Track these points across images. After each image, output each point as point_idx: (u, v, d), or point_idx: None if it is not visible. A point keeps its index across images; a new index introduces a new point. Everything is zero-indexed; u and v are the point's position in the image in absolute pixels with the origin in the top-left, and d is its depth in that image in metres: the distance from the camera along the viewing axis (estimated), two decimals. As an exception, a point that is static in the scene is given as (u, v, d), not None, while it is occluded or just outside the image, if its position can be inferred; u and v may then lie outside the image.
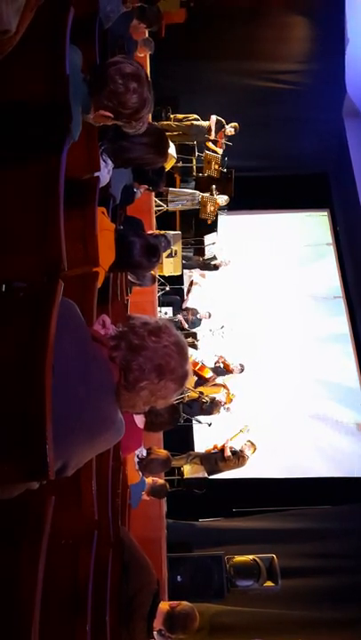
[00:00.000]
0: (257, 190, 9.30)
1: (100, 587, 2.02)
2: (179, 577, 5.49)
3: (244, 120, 8.47)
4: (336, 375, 8.76)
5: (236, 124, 8.25)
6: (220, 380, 7.34)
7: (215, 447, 6.84)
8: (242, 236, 9.70)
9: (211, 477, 6.75)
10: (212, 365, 7.58)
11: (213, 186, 8.18)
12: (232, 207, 8.57)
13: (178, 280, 8.03)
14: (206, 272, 8.66)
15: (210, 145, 8.32)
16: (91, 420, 1.21)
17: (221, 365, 7.60)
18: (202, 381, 7.13)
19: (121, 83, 1.80)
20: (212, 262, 8.46)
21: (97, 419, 1.23)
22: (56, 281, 1.23)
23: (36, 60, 1.62)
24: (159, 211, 7.75)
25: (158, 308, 7.04)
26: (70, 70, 1.71)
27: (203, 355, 7.64)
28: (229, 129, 8.25)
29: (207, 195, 8.07)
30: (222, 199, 8.17)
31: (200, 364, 7.25)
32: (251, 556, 5.82)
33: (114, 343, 1.26)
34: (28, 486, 1.17)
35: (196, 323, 7.89)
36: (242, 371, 7.61)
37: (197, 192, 8.07)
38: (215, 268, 8.52)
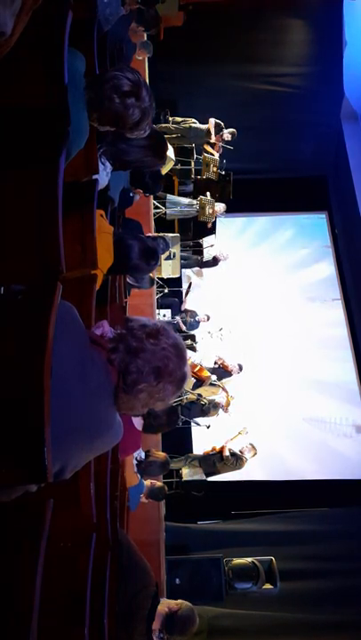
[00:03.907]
0: (255, 193, 9.31)
1: (99, 589, 2.01)
2: (177, 579, 5.49)
3: (242, 123, 8.48)
4: (334, 377, 8.77)
5: (233, 129, 8.26)
6: (217, 379, 7.33)
7: (214, 449, 6.83)
8: (240, 239, 9.72)
9: (209, 480, 6.74)
10: (212, 367, 7.58)
11: (208, 193, 8.17)
12: (230, 209, 8.57)
13: (176, 282, 8.04)
14: (205, 270, 8.66)
15: (208, 148, 8.33)
16: (89, 423, 1.21)
17: (220, 367, 7.60)
18: (200, 383, 7.13)
19: (119, 102, 1.81)
20: (211, 258, 8.44)
21: (95, 421, 1.23)
22: (54, 283, 1.23)
23: (35, 64, 1.63)
24: (158, 213, 7.75)
25: (157, 311, 7.04)
26: (73, 76, 1.71)
27: (201, 357, 7.64)
28: (227, 134, 8.26)
29: (206, 197, 8.07)
30: (220, 207, 8.18)
31: (199, 365, 7.25)
32: (249, 559, 5.81)
33: (112, 346, 1.26)
34: (26, 489, 1.17)
35: (195, 325, 7.89)
36: (240, 371, 7.61)
37: (195, 202, 8.07)
38: (214, 262, 8.51)
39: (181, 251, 7.83)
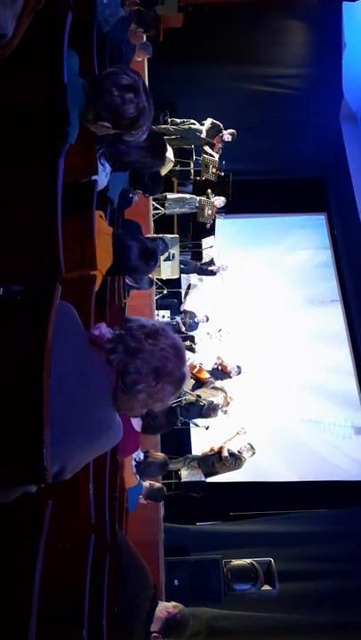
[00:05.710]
0: (254, 194, 9.32)
1: (97, 590, 2.01)
2: (176, 581, 5.48)
3: (241, 124, 8.49)
4: (333, 378, 8.77)
5: (233, 130, 8.27)
6: (218, 383, 7.33)
7: (212, 449, 6.83)
8: (239, 240, 9.72)
9: (208, 480, 6.74)
10: (211, 368, 7.58)
11: (209, 190, 8.18)
12: (230, 211, 8.58)
13: (175, 283, 8.04)
14: (204, 277, 8.68)
15: (207, 149, 8.34)
16: (88, 424, 1.21)
17: (219, 368, 7.60)
18: (200, 384, 7.13)
19: (117, 95, 1.82)
20: (209, 268, 8.46)
21: (94, 422, 1.23)
22: (54, 284, 1.23)
23: (35, 64, 1.63)
24: (157, 214, 7.75)
25: (156, 312, 7.04)
26: (70, 75, 1.71)
27: (201, 358, 7.64)
28: (227, 135, 8.26)
29: (204, 198, 8.08)
30: (219, 201, 8.18)
31: (198, 366, 7.25)
32: (248, 560, 5.80)
33: (111, 346, 1.26)
34: (25, 490, 1.17)
35: (194, 326, 7.89)
36: (239, 373, 7.61)
37: (195, 196, 8.08)
38: (212, 273, 8.53)
39: (181, 252, 7.83)
